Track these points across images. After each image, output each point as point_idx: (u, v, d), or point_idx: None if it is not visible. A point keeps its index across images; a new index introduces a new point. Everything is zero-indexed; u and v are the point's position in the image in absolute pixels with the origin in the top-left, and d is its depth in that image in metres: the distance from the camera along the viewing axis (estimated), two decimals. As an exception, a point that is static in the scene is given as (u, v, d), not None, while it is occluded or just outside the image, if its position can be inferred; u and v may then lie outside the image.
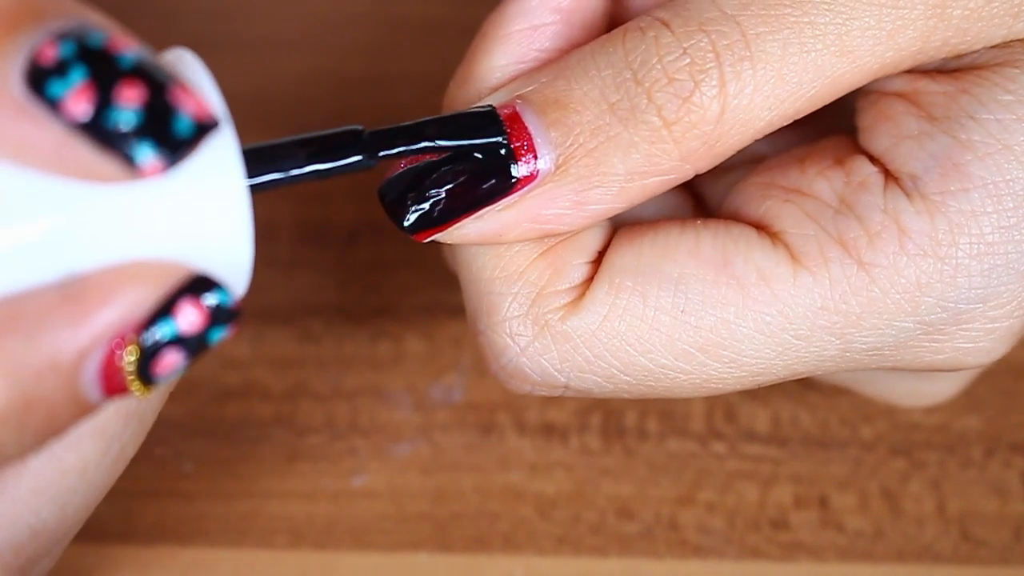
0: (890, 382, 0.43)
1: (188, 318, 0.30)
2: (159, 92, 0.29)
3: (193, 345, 0.31)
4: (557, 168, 0.36)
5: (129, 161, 0.29)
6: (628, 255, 0.37)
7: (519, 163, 0.35)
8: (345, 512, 0.45)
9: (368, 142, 0.34)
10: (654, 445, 0.46)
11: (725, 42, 0.35)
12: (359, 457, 0.46)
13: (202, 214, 0.30)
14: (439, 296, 0.48)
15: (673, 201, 0.40)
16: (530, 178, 0.36)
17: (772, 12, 0.35)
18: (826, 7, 0.35)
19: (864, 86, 0.37)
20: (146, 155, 0.29)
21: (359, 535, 0.45)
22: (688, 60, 0.35)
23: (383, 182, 0.37)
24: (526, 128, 0.36)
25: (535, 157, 0.35)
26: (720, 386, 0.37)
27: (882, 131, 0.37)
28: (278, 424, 0.46)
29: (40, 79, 0.29)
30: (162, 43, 0.32)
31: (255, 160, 0.32)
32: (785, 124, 0.36)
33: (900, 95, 0.37)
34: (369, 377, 0.47)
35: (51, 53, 0.29)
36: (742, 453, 0.46)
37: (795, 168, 0.37)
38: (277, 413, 0.46)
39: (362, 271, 0.49)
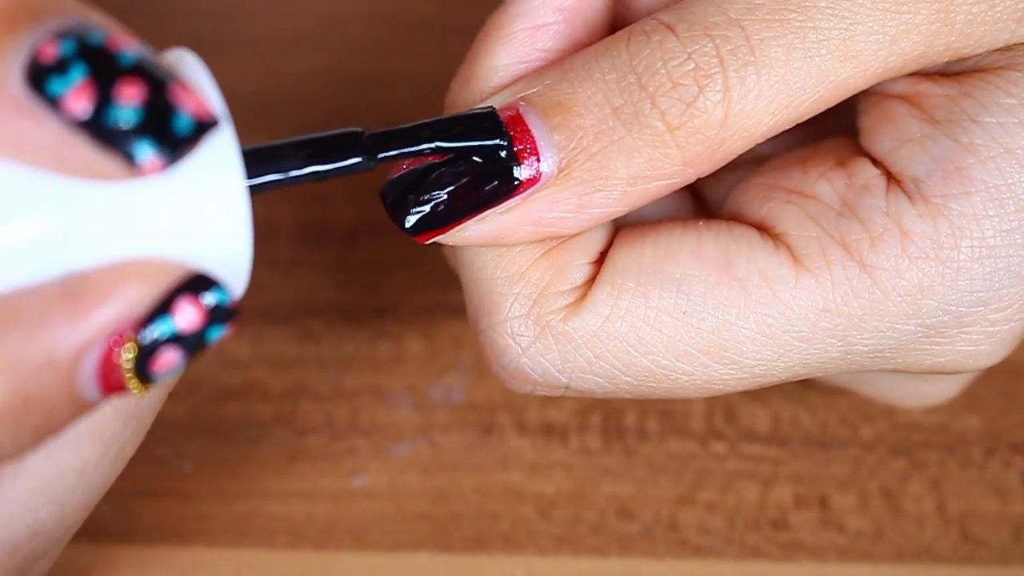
0: (890, 383, 0.43)
1: (186, 316, 0.30)
2: (159, 90, 0.29)
3: (191, 344, 0.31)
4: (560, 171, 0.36)
5: (129, 159, 0.29)
6: (630, 256, 0.37)
7: (522, 165, 0.35)
8: (345, 512, 0.45)
9: (367, 144, 0.34)
10: (654, 445, 0.46)
11: (729, 47, 0.35)
12: (359, 457, 0.46)
13: (201, 213, 0.30)
14: (439, 296, 0.48)
15: (674, 201, 0.40)
16: (533, 181, 0.36)
17: (777, 17, 0.35)
18: (830, 12, 0.35)
19: (866, 87, 0.37)
20: (146, 153, 0.29)
21: (359, 535, 0.45)
22: (692, 65, 0.35)
23: (385, 183, 0.37)
24: (529, 130, 0.35)
25: (538, 160, 0.35)
26: (721, 387, 0.37)
27: (884, 133, 0.37)
28: (278, 424, 0.46)
29: (40, 77, 0.29)
30: (162, 43, 0.32)
31: (254, 161, 0.32)
32: (788, 128, 0.36)
33: (902, 97, 0.37)
34: (369, 377, 0.47)
35: (51, 51, 0.29)
36: (742, 453, 0.46)
37: (797, 169, 0.37)
38: (277, 413, 0.46)
39: (362, 271, 0.49)
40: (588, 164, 0.35)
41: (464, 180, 0.36)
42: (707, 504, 0.45)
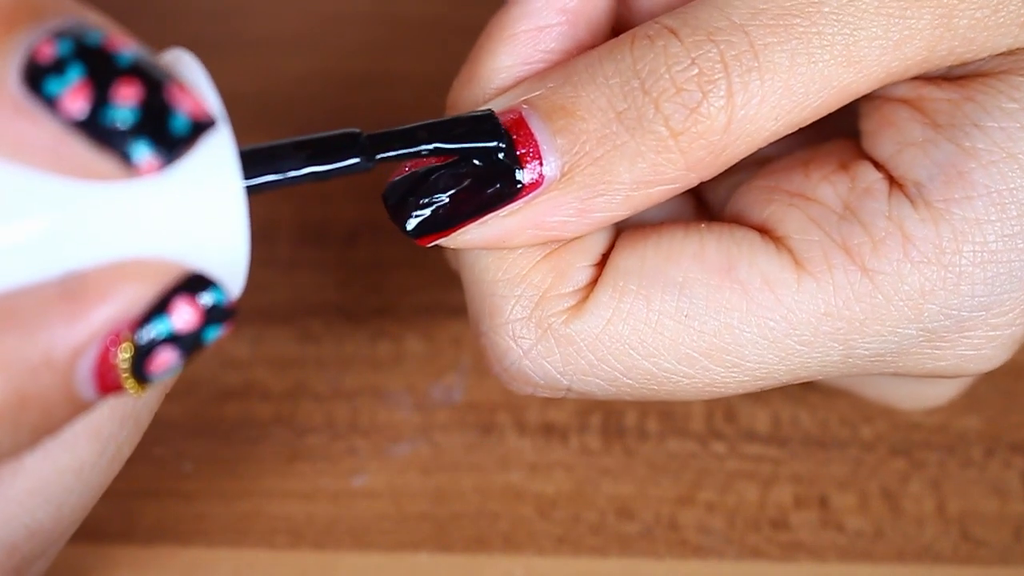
0: (891, 385, 0.43)
1: (183, 316, 0.30)
2: (156, 90, 0.29)
3: (188, 344, 0.30)
4: (563, 175, 0.35)
5: (126, 159, 0.29)
6: (632, 258, 0.36)
7: (524, 169, 0.35)
8: (345, 512, 0.45)
9: (366, 144, 0.33)
10: (654, 445, 0.46)
11: (733, 52, 0.35)
12: (359, 457, 0.46)
13: (198, 213, 0.30)
14: (439, 296, 0.48)
15: (676, 204, 0.40)
16: (535, 184, 0.35)
17: (781, 22, 0.35)
18: (834, 17, 0.35)
19: (867, 91, 0.37)
20: (143, 153, 0.29)
21: (359, 535, 0.45)
22: (696, 70, 0.35)
23: (387, 185, 0.37)
24: (532, 134, 0.35)
25: (541, 163, 0.35)
26: (723, 390, 0.37)
27: (886, 137, 0.37)
28: (278, 424, 0.46)
29: (37, 77, 0.29)
30: (161, 43, 0.32)
31: (252, 161, 0.32)
32: (790, 132, 0.36)
33: (904, 101, 0.37)
34: (369, 377, 0.47)
35: (48, 51, 0.29)
36: (742, 453, 0.46)
37: (799, 172, 0.37)
38: (277, 413, 0.46)
39: (362, 271, 0.49)
40: (591, 168, 0.35)
41: (466, 183, 0.36)
42: (707, 504, 0.45)
